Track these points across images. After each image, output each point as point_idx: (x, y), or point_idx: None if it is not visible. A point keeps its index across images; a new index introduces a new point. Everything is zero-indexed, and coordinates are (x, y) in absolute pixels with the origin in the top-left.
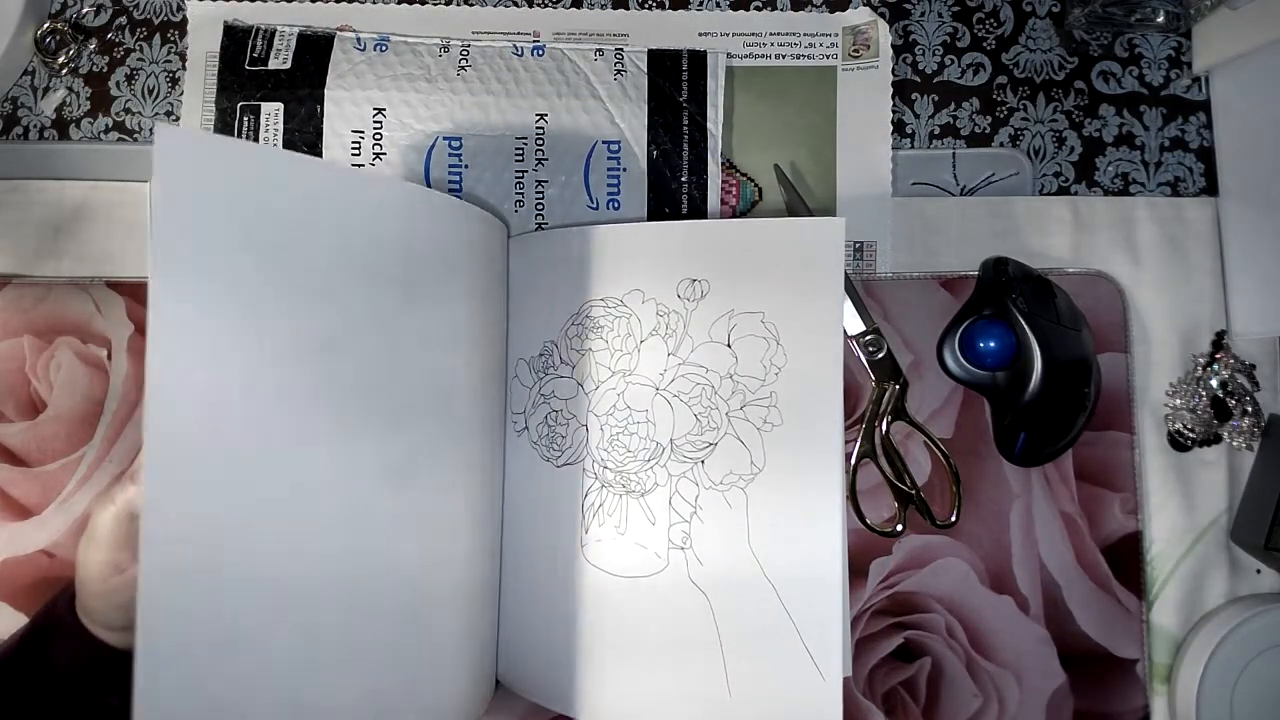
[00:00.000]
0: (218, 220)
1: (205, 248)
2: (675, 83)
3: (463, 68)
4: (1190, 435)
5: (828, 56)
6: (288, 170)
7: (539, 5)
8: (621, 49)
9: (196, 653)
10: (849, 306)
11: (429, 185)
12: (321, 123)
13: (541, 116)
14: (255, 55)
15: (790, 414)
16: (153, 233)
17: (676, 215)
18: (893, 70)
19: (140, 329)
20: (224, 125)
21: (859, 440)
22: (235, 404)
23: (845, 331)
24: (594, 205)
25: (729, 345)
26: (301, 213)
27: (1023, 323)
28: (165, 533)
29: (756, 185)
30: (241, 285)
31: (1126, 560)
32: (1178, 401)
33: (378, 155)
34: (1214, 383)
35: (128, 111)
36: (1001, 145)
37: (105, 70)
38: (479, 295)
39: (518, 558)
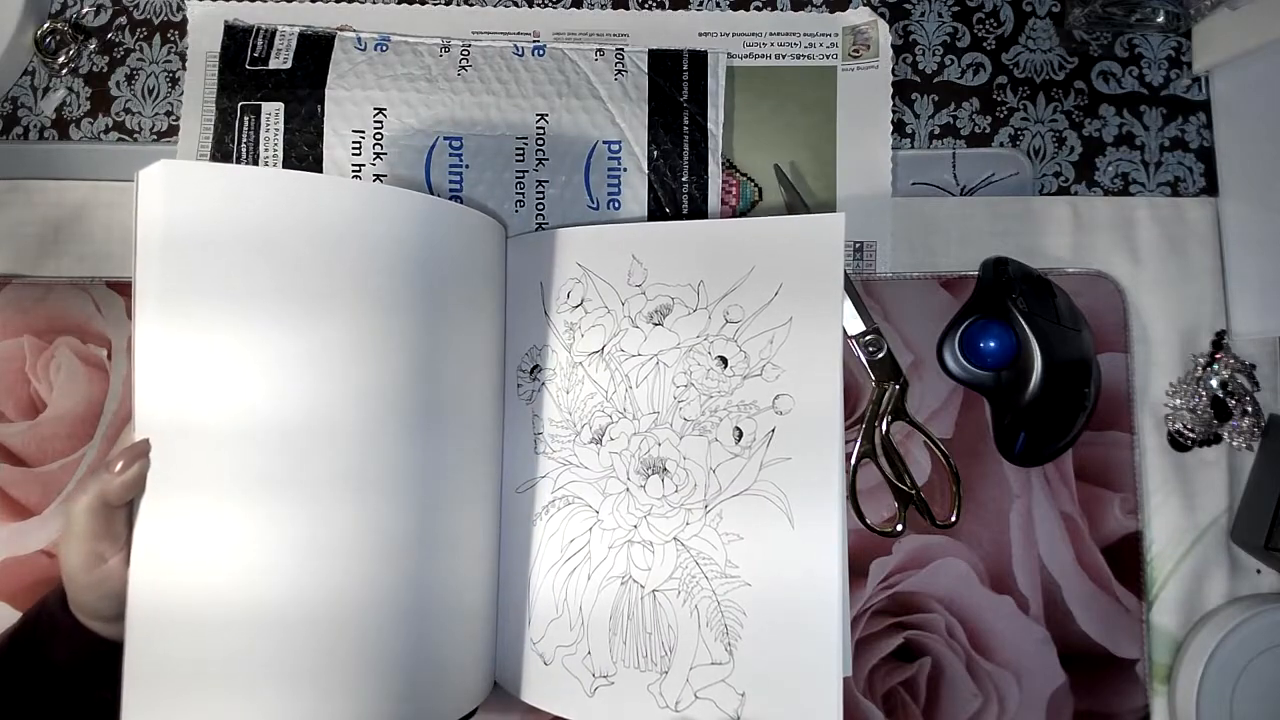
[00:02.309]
0: (207, 249)
1: (195, 276)
2: (676, 83)
3: (463, 68)
4: (1190, 435)
5: (828, 56)
6: (274, 188)
7: (539, 5)
8: (622, 49)
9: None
10: (849, 306)
11: (429, 185)
12: (322, 122)
13: (542, 116)
14: (256, 55)
15: (790, 414)
16: (139, 269)
17: (677, 215)
18: (893, 70)
19: None
20: (224, 125)
21: (859, 440)
22: (234, 424)
23: (845, 331)
24: (594, 205)
25: (729, 344)
26: (292, 229)
27: (1023, 323)
28: (163, 546)
29: (756, 185)
30: (234, 308)
31: (1126, 560)
32: (1178, 401)
33: (378, 155)
34: (1214, 383)
35: (128, 111)
36: (1001, 145)
37: (105, 70)
38: (478, 300)
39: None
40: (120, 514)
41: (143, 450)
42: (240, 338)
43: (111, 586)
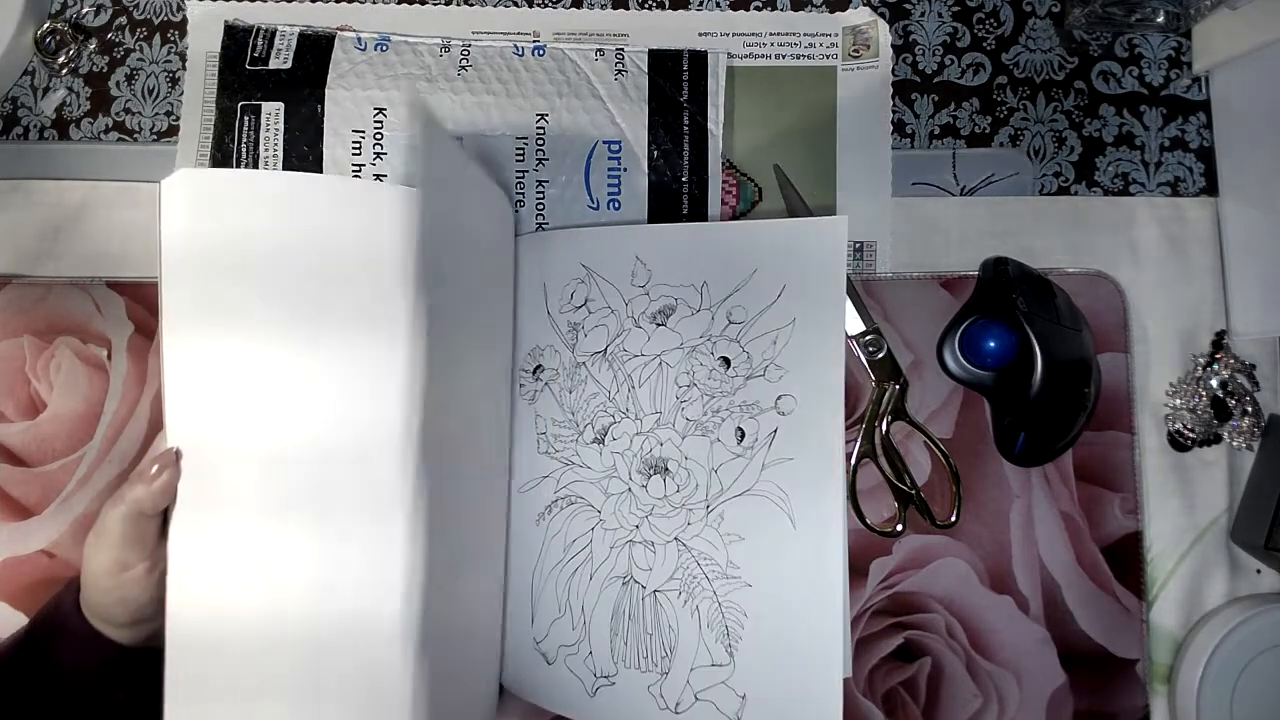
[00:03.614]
0: (232, 261)
1: (221, 289)
2: (676, 83)
3: (463, 68)
4: (1190, 435)
5: (828, 56)
6: (298, 193)
7: (539, 5)
8: (622, 49)
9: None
10: (849, 306)
11: None
12: (322, 122)
13: (542, 116)
14: (256, 55)
15: (792, 415)
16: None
17: (677, 215)
18: (893, 70)
19: (140, 329)
20: (224, 125)
21: (859, 440)
22: (264, 440)
23: (845, 331)
24: (594, 205)
25: (732, 345)
26: (319, 236)
27: (1023, 323)
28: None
29: (756, 185)
30: (262, 319)
31: (1126, 560)
32: (1178, 401)
33: (378, 155)
34: (1214, 383)
35: (128, 111)
36: (1001, 145)
37: (105, 70)
38: (494, 291)
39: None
40: (152, 523)
41: (172, 459)
42: (269, 351)
43: (129, 593)
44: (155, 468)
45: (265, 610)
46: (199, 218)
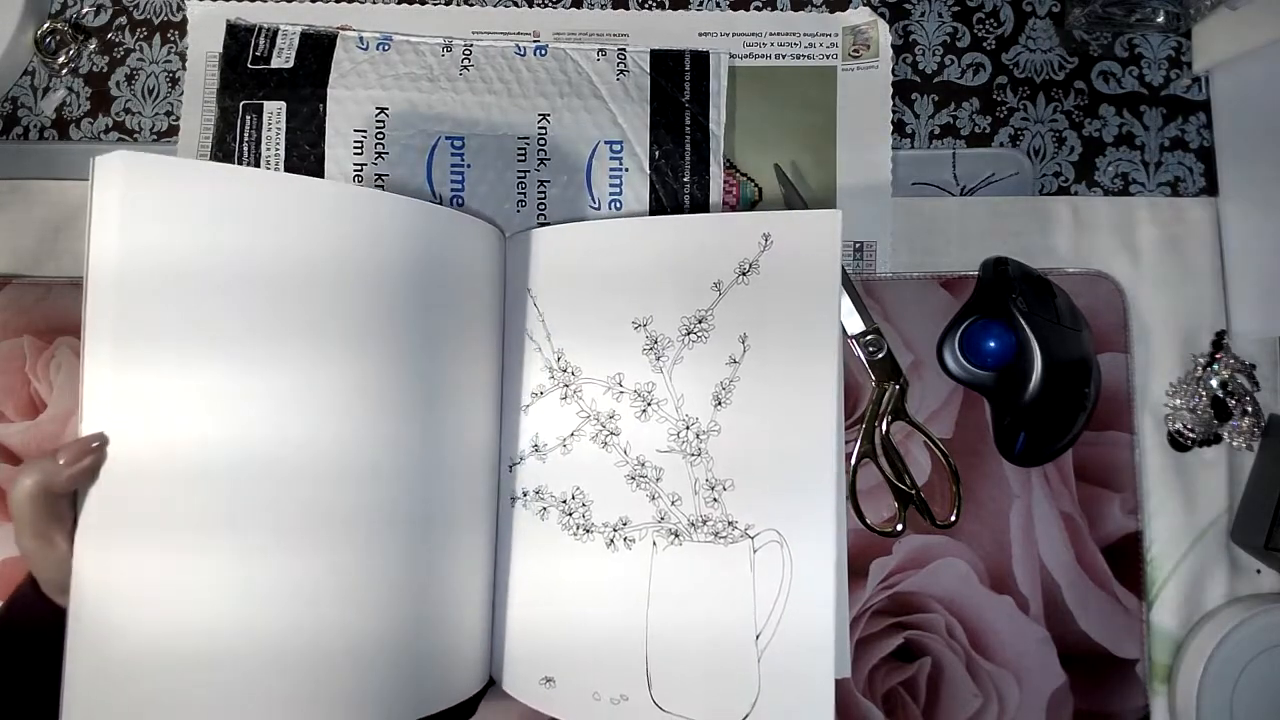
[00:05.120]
0: (170, 261)
1: (155, 296)
2: (677, 83)
3: (465, 67)
4: (1190, 435)
5: (828, 56)
6: (251, 189)
7: (539, 5)
8: (624, 49)
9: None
10: (849, 306)
11: (430, 185)
12: (324, 122)
13: (544, 116)
14: (258, 54)
15: (789, 413)
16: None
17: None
18: (893, 70)
19: None
20: (226, 124)
21: (859, 440)
22: (198, 462)
23: (845, 331)
24: (596, 205)
25: (725, 340)
26: (272, 239)
27: (1023, 323)
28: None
29: (757, 185)
30: (200, 335)
31: (1126, 560)
32: (1178, 401)
33: (380, 155)
34: (1214, 383)
35: (128, 111)
36: (1001, 145)
37: (105, 70)
38: (475, 309)
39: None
40: (64, 500)
41: (89, 446)
42: (207, 361)
43: (69, 567)
44: (71, 453)
45: (173, 633)
46: (136, 207)
